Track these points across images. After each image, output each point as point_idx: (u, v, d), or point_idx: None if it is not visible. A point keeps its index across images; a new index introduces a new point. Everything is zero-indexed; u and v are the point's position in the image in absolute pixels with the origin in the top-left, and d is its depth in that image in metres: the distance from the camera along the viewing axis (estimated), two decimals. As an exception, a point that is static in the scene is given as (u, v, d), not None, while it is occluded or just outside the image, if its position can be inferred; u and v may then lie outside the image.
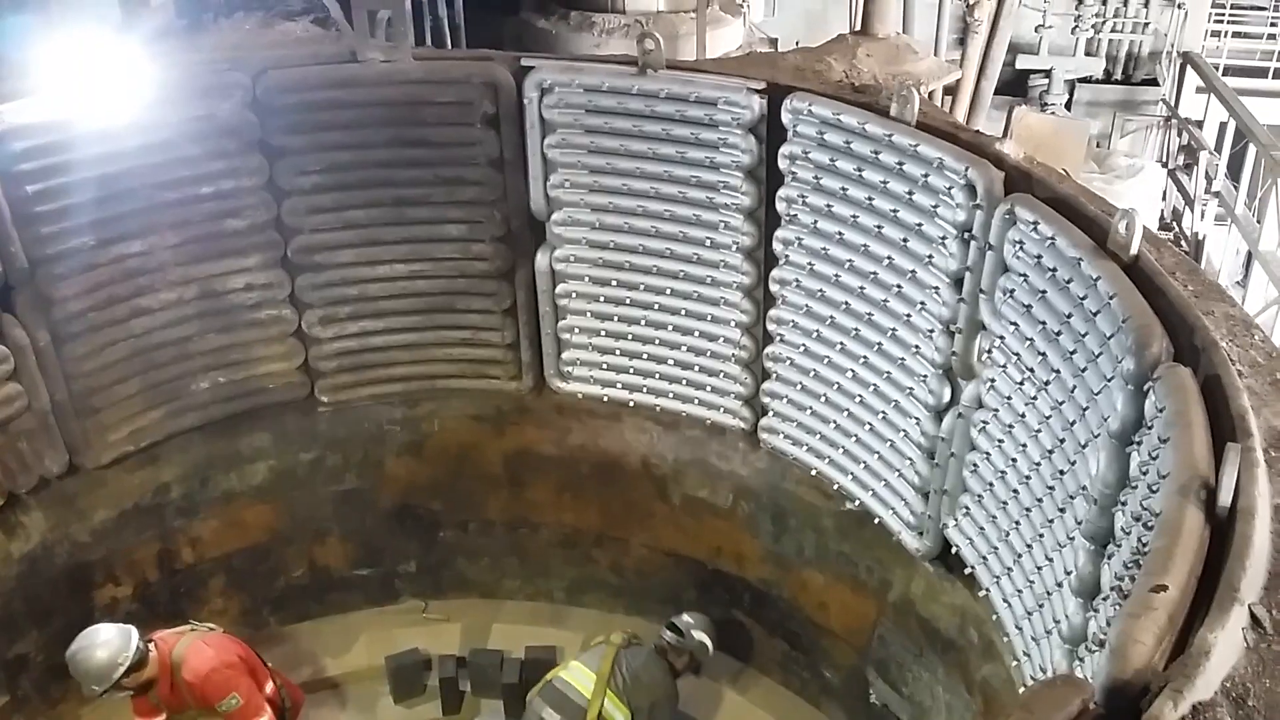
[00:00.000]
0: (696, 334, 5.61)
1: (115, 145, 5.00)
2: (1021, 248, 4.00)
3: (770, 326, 5.37)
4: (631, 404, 5.97)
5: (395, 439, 6.24)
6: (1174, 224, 12.65)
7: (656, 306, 5.61)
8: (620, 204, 5.40)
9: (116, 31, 4.92)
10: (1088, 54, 13.92)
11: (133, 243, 5.27)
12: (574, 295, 5.74)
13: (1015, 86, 13.53)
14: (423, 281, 5.81)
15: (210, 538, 6.05)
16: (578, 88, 5.16)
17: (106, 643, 4.54)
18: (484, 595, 6.68)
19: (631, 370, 5.86)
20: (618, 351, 5.84)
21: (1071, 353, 3.72)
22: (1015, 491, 4.23)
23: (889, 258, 4.68)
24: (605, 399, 6.00)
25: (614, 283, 5.62)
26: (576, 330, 5.85)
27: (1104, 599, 3.34)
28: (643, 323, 5.70)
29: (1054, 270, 3.82)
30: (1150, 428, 3.16)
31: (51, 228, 5.00)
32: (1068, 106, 13.80)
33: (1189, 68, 13.47)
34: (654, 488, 6.15)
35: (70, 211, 5.02)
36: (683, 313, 5.57)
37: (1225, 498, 2.68)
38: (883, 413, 4.99)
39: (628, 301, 5.66)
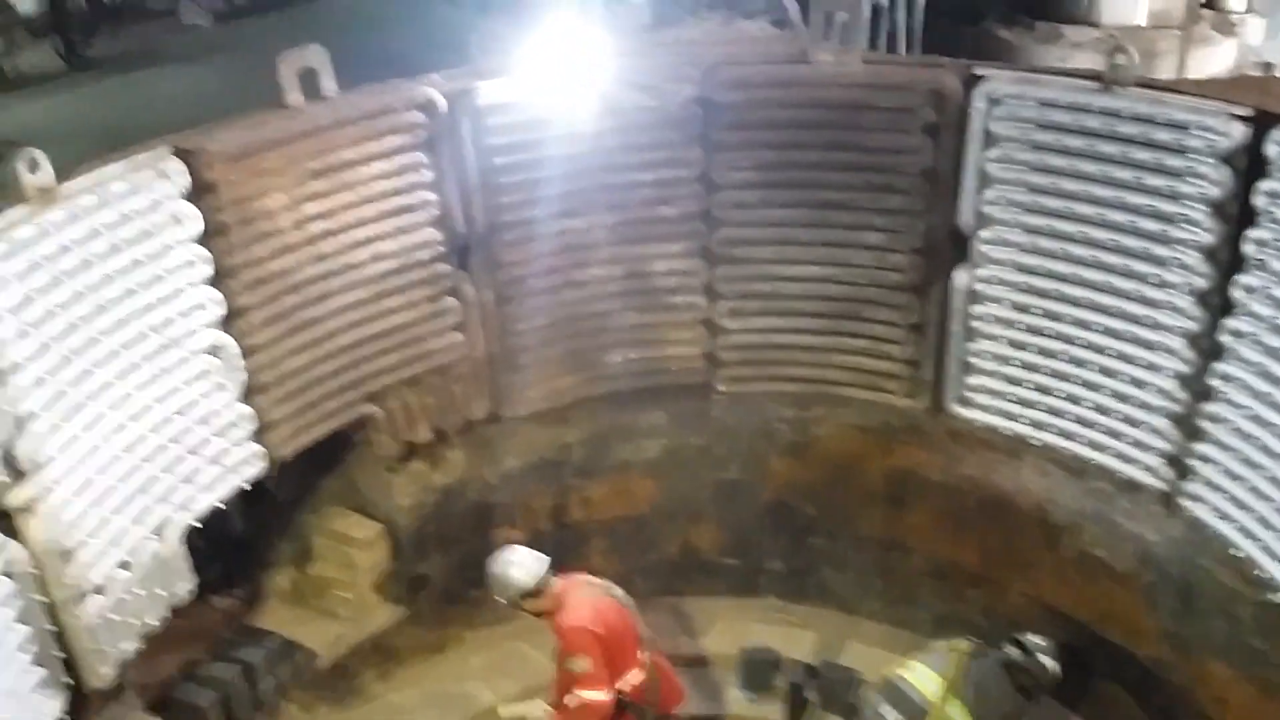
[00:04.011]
0: (1123, 378, 5.14)
1: (575, 128, 5.42)
2: None
3: (1213, 381, 4.81)
4: (1035, 442, 5.59)
5: (781, 437, 6.29)
6: None
7: (1081, 342, 5.22)
8: (1058, 228, 5.07)
9: (595, 23, 5.31)
10: None
11: (575, 220, 5.71)
12: (990, 318, 5.47)
13: None
14: (834, 286, 5.80)
15: (599, 501, 6.42)
16: (1031, 101, 4.90)
17: (519, 564, 4.96)
18: (844, 609, 6.56)
19: (1041, 406, 5.48)
20: (1028, 384, 5.49)
21: None
22: None
23: (1384, 324, 4.04)
24: (1006, 432, 5.67)
25: (1037, 310, 5.29)
26: (987, 355, 5.57)
27: None
28: (1062, 357, 5.31)
29: None
30: None
31: (511, 198, 5.53)
32: None
33: None
34: (1044, 536, 5.74)
35: (528, 185, 5.53)
36: (1110, 352, 5.13)
37: None
38: (1344, 500, 4.33)
39: (1049, 332, 5.30)
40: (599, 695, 4.83)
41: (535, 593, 4.92)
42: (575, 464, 6.31)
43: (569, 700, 4.87)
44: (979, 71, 5.10)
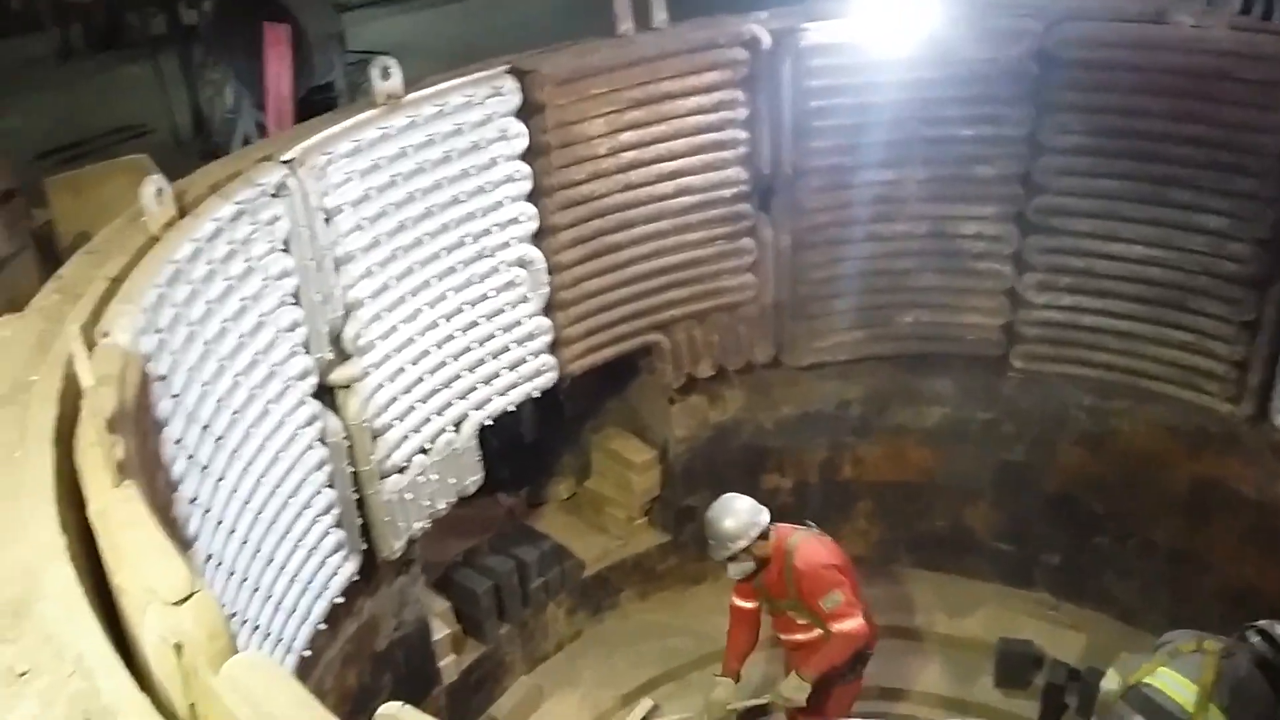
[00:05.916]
0: None
1: (897, 76, 5.27)
2: None
3: None
4: (1375, 471, 4.96)
5: (1077, 425, 5.92)
6: None
7: None
8: None
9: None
10: None
11: (885, 171, 5.54)
12: (1339, 326, 4.87)
13: None
14: (1158, 270, 5.33)
15: (872, 463, 6.32)
16: None
17: (738, 512, 4.83)
18: (1122, 619, 6.14)
19: (1388, 431, 4.85)
20: (1376, 404, 4.86)
21: None
22: None
23: None
24: (1340, 455, 5.06)
25: (1401, 323, 4.65)
26: (1329, 366, 4.97)
27: None
28: None
29: None
30: None
31: (821, 143, 5.45)
32: None
33: None
34: (1370, 577, 5.11)
35: (840, 131, 5.43)
36: None
37: None
38: None
39: None
40: (857, 622, 4.80)
41: (764, 535, 4.87)
42: (852, 421, 6.23)
43: (831, 628, 4.82)
44: (1368, 46, 4.49)
